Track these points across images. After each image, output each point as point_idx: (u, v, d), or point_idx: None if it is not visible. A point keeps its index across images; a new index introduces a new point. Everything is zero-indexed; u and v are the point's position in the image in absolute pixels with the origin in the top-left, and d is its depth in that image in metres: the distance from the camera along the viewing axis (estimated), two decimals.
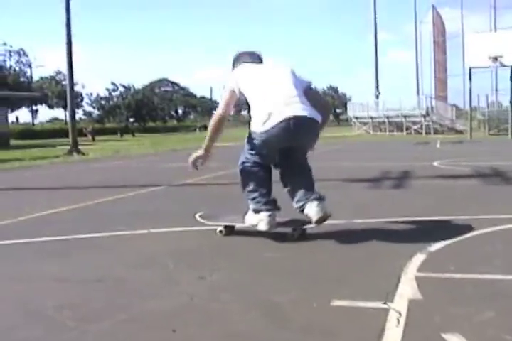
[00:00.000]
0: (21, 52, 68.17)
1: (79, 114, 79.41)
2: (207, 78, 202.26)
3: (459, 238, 4.80)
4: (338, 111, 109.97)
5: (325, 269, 3.99)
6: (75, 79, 25.12)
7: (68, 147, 23.81)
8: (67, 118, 19.94)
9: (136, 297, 3.44)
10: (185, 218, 6.04)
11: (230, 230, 5.14)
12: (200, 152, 5.10)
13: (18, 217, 6.49)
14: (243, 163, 5.09)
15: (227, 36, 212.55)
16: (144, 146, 28.59)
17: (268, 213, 4.87)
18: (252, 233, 5.14)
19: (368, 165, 13.16)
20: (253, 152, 5.01)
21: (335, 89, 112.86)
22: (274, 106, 4.77)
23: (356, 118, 48.62)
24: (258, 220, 4.88)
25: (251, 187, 5.01)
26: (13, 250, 4.92)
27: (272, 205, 4.96)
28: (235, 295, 3.40)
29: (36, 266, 4.31)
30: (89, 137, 46.44)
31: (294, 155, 5.10)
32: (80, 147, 23.71)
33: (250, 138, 4.99)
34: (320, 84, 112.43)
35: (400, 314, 2.98)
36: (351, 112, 50.27)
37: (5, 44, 67.02)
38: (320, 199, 4.89)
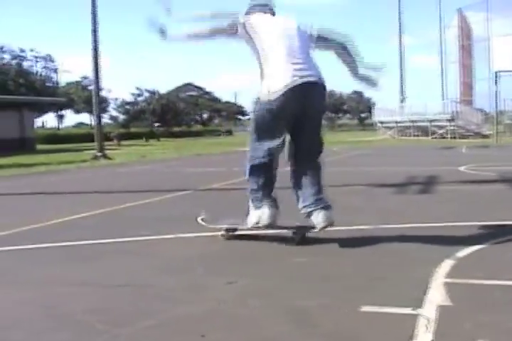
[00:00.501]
0: (48, 58, 68.78)
1: (105, 118, 79.86)
2: (232, 83, 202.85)
3: (486, 244, 4.77)
4: (362, 115, 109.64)
5: (352, 275, 3.98)
6: (101, 84, 25.27)
7: (94, 151, 23.96)
8: (93, 123, 20.19)
9: (164, 302, 3.45)
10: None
11: (231, 234, 5.12)
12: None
13: (46, 222, 6.54)
14: (250, 164, 5.08)
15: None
16: (169, 151, 28.70)
17: (268, 209, 4.88)
18: (278, 238, 5.15)
19: (393, 170, 13.10)
20: (259, 135, 4.95)
21: (360, 94, 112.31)
22: (283, 70, 4.77)
23: (381, 122, 48.47)
24: (258, 216, 4.88)
25: (255, 186, 5.01)
26: (41, 254, 4.95)
27: (273, 202, 4.97)
28: (262, 300, 3.40)
29: (64, 270, 4.34)
30: (115, 142, 46.65)
31: (306, 130, 5.03)
32: (105, 151, 23.84)
33: (257, 112, 4.92)
34: (344, 89, 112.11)
35: (429, 320, 2.96)
36: (376, 117, 50.15)
37: (32, 50, 67.73)
38: (327, 208, 4.91)
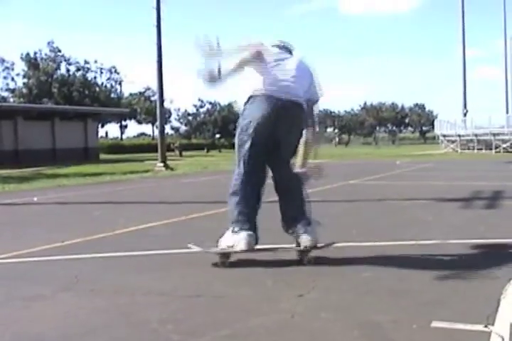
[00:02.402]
0: (113, 70, 69.99)
1: (166, 129, 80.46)
2: None
3: None
4: (424, 129, 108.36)
5: (423, 290, 3.96)
6: (164, 95, 25.60)
7: (156, 162, 24.26)
8: (155, 134, 20.43)
9: (237, 313, 3.50)
10: (279, 235, 6.10)
11: (227, 260, 4.88)
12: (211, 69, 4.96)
13: (115, 231, 6.68)
14: (234, 182, 5.08)
15: (309, 49, 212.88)
16: (231, 162, 28.74)
17: (249, 232, 4.82)
18: (346, 252, 5.17)
19: (458, 185, 12.94)
20: (243, 146, 4.93)
21: (421, 107, 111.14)
22: (271, 88, 4.83)
23: (444, 136, 47.83)
24: (237, 240, 4.80)
25: (235, 206, 4.97)
26: (112, 263, 5.06)
27: (252, 227, 4.90)
28: (334, 313, 3.42)
29: (136, 279, 4.43)
30: (177, 152, 47.07)
31: (280, 154, 5.01)
32: (167, 162, 24.12)
33: (241, 123, 4.95)
34: (406, 102, 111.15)
35: (502, 338, 2.94)
36: (438, 130, 49.49)
37: (96, 61, 68.97)
38: (310, 231, 4.89)
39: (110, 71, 69.86)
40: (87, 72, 68.51)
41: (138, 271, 4.70)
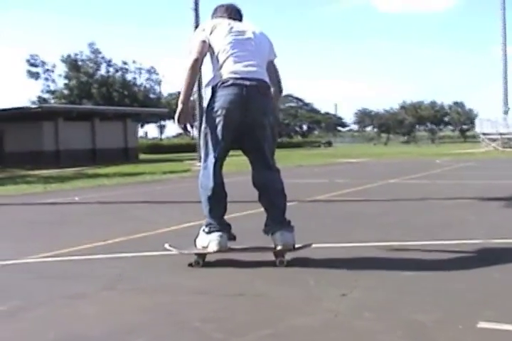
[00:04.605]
0: (152, 70, 70.40)
1: None
2: (331, 94, 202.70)
3: None
4: (464, 127, 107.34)
5: (467, 289, 3.91)
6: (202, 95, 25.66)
7: (195, 161, 24.36)
8: (194, 134, 20.46)
9: (280, 312, 3.48)
10: (321, 234, 6.10)
11: (203, 260, 4.84)
12: (180, 107, 4.81)
13: (156, 230, 6.71)
14: (201, 178, 4.99)
15: (347, 50, 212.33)
16: None
17: (219, 233, 4.77)
18: (387, 251, 5.13)
19: (500, 183, 12.76)
20: (210, 140, 4.83)
21: (461, 105, 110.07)
22: (233, 68, 4.75)
23: (484, 134, 47.31)
24: (208, 241, 4.76)
25: (207, 205, 4.91)
26: (154, 262, 5.07)
27: (224, 227, 4.85)
28: (378, 313, 3.38)
29: (178, 278, 4.44)
30: None
31: (254, 139, 4.88)
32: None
33: (207, 116, 4.84)
34: (445, 100, 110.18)
35: None
36: (479, 128, 48.96)
37: (134, 62, 69.45)
38: (286, 230, 4.81)
39: (149, 71, 70.30)
40: (126, 72, 69.05)
41: (179, 269, 4.70)
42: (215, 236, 4.76)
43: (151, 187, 14.59)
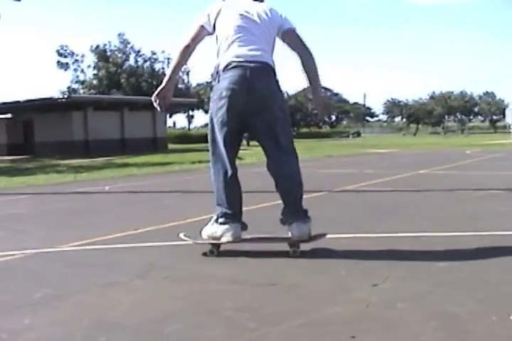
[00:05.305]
0: None
1: None
2: (360, 84, 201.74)
3: None
4: (494, 117, 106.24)
5: (500, 281, 3.86)
6: None
7: None
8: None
9: (312, 302, 3.49)
10: (351, 225, 6.10)
11: (217, 249, 4.86)
12: (163, 84, 4.90)
13: (186, 219, 6.74)
14: (212, 167, 4.96)
15: (374, 39, 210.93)
16: (299, 152, 28.62)
17: (233, 224, 4.77)
18: (420, 242, 5.11)
19: None
20: (215, 124, 4.82)
21: (491, 95, 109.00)
22: (237, 52, 4.70)
23: None
24: (223, 231, 4.75)
25: (222, 193, 4.87)
26: (186, 251, 5.06)
27: (237, 217, 4.83)
28: (410, 304, 3.37)
29: (210, 267, 4.46)
30: (244, 142, 47.24)
31: (263, 122, 4.77)
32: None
33: (212, 100, 4.82)
34: (475, 90, 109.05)
35: None
36: (510, 119, 48.39)
37: (163, 51, 69.57)
38: (301, 220, 4.73)
39: None
40: (154, 62, 69.22)
41: (211, 258, 4.73)
42: (229, 226, 4.77)
43: (180, 177, 14.64)
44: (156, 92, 4.90)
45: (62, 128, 36.32)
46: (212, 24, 4.85)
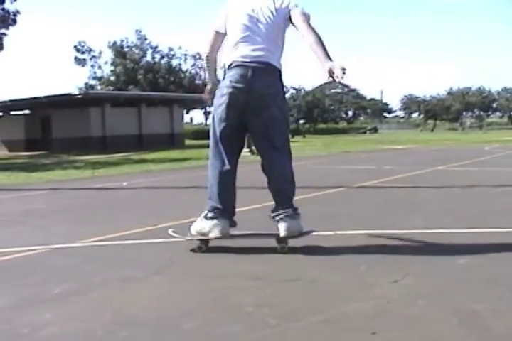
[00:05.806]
0: (197, 56, 70.42)
1: None
2: (377, 80, 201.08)
3: None
4: None
5: None
6: None
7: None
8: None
9: (332, 298, 3.49)
10: (370, 220, 6.08)
11: (205, 245, 4.90)
12: (209, 87, 5.27)
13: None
14: (210, 162, 5.02)
15: (392, 34, 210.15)
16: (316, 148, 28.76)
17: (222, 219, 4.81)
18: (439, 238, 5.09)
19: None
20: (215, 119, 4.94)
21: (510, 91, 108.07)
22: (241, 52, 4.78)
23: None
24: (211, 226, 4.78)
25: (215, 189, 4.92)
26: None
27: (227, 213, 4.87)
28: (431, 300, 3.36)
29: (229, 263, 4.47)
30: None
31: (260, 120, 4.82)
32: (253, 147, 24.17)
33: (215, 98, 4.94)
34: (493, 86, 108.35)
35: None
36: None
37: (180, 48, 69.52)
38: (290, 217, 4.78)
39: (194, 57, 70.35)
40: (171, 58, 69.24)
41: (230, 254, 4.74)
42: (217, 221, 4.81)
43: (197, 173, 14.61)
44: (206, 92, 5.31)
45: (79, 124, 36.41)
46: (224, 26, 4.95)
